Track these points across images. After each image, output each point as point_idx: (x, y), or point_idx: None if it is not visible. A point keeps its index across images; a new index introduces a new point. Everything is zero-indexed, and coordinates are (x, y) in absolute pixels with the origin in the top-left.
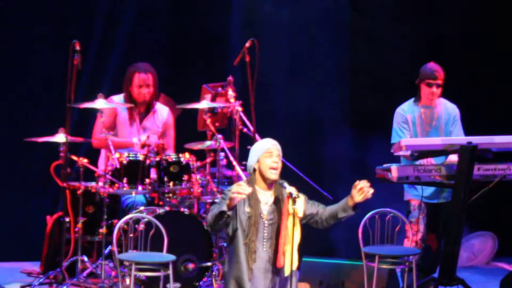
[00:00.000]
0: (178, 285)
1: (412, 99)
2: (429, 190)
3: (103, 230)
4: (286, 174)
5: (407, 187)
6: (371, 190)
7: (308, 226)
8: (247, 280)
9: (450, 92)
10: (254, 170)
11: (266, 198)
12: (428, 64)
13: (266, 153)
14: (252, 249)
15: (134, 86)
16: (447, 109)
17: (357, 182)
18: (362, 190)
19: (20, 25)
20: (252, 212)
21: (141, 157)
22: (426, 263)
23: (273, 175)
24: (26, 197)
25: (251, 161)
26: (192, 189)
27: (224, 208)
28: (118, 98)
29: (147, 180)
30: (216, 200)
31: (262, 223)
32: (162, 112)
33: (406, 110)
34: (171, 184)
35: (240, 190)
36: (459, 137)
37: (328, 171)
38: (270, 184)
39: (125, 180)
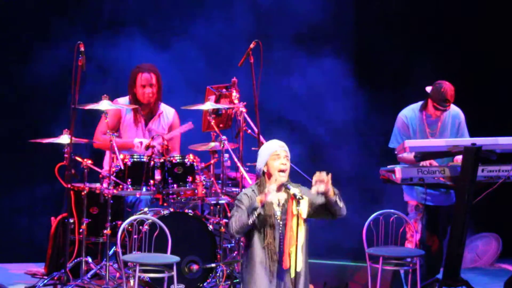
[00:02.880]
0: (182, 286)
1: (418, 105)
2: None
3: (107, 231)
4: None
5: (405, 188)
6: (327, 177)
7: (311, 227)
8: (268, 282)
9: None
10: (264, 173)
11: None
12: (442, 87)
13: (274, 155)
14: (272, 251)
15: (138, 86)
16: (452, 115)
17: (316, 175)
18: (320, 181)
19: (24, 26)
20: (266, 214)
21: (145, 159)
22: (428, 265)
23: (282, 177)
24: (31, 198)
25: (260, 164)
26: (196, 191)
27: (257, 204)
28: (124, 100)
29: (152, 181)
30: (220, 200)
31: (277, 224)
32: (168, 114)
33: (409, 117)
34: (175, 185)
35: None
36: (463, 139)
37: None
38: (279, 186)
39: (129, 181)
